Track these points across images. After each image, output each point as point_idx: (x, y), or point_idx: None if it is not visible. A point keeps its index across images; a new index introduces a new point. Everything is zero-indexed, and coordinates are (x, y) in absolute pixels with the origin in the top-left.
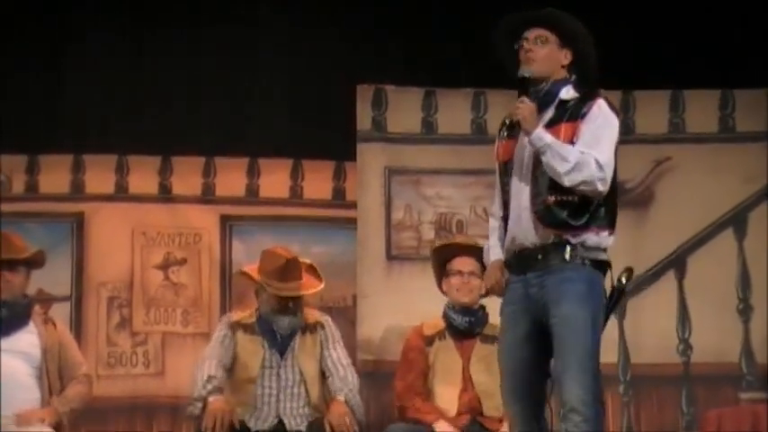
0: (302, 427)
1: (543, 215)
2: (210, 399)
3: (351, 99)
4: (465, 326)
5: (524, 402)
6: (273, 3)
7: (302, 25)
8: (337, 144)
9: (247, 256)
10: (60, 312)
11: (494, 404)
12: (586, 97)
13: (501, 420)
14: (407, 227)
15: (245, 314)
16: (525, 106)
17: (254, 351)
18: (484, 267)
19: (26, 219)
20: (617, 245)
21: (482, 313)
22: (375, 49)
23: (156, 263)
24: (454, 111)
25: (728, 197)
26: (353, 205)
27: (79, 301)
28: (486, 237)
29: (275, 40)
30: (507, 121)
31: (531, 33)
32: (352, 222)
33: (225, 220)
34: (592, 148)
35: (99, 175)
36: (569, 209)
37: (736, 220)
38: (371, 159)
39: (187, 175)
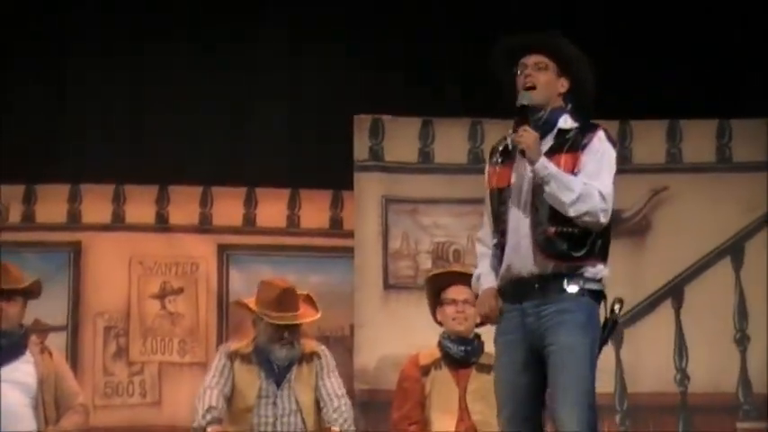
0: None
1: (544, 245)
2: (209, 429)
3: (348, 129)
4: (461, 355)
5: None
6: (272, 33)
7: (300, 55)
8: (334, 173)
9: (245, 286)
10: (57, 342)
11: None
12: (586, 128)
13: None
14: (404, 256)
15: (242, 344)
16: (529, 134)
17: (250, 381)
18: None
19: (23, 248)
20: (614, 274)
21: (478, 342)
22: (372, 79)
23: (153, 292)
24: (451, 140)
25: (725, 227)
26: (351, 234)
27: (76, 331)
28: None
29: (273, 69)
30: (500, 148)
31: (531, 59)
32: (349, 251)
33: (222, 250)
34: (594, 180)
35: (96, 204)
36: (570, 240)
37: (734, 250)
38: (369, 189)
39: (184, 205)
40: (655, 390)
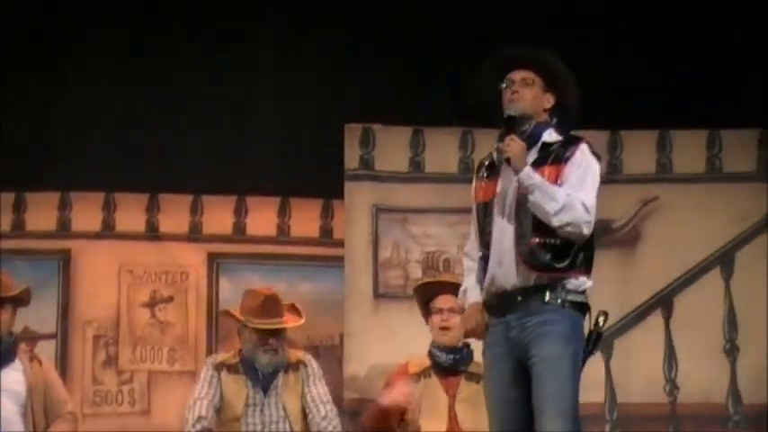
0: None
1: (527, 257)
2: None
3: (339, 138)
4: (449, 363)
5: None
6: (262, 41)
7: (291, 64)
8: (325, 182)
9: (235, 294)
10: (46, 350)
11: None
12: (569, 141)
13: None
14: (395, 265)
15: (228, 354)
16: (515, 144)
17: (237, 390)
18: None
19: (13, 256)
20: (603, 284)
21: (466, 351)
22: (363, 87)
23: (143, 301)
24: (442, 150)
25: (715, 237)
26: (341, 243)
27: (65, 339)
28: None
29: (264, 78)
30: (487, 162)
31: (517, 75)
32: (339, 261)
33: (212, 258)
34: (577, 191)
35: (86, 212)
36: (553, 251)
37: (723, 261)
38: (359, 198)
39: (174, 213)
40: (644, 400)
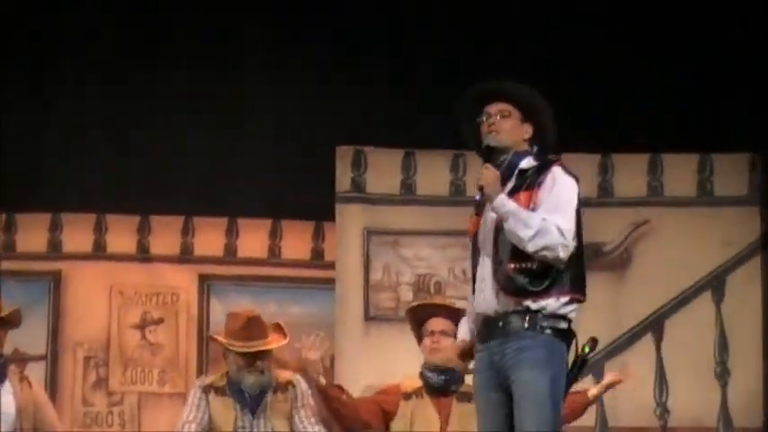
0: None
1: (504, 283)
2: None
3: (330, 160)
4: (440, 384)
5: None
6: (254, 63)
7: (283, 87)
8: (316, 204)
9: (225, 316)
10: (36, 372)
11: None
12: (543, 166)
13: None
14: (386, 288)
15: (216, 376)
16: (489, 172)
17: (226, 413)
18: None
19: (3, 277)
20: (594, 307)
21: (458, 372)
22: (355, 110)
23: (134, 322)
24: (433, 172)
25: (706, 260)
26: (332, 266)
27: (55, 361)
28: (464, 298)
29: (255, 100)
30: (477, 197)
31: (494, 107)
32: (330, 283)
33: (203, 280)
34: (552, 215)
35: (77, 233)
36: (529, 275)
37: (714, 284)
38: (350, 220)
39: (165, 235)
40: (635, 424)
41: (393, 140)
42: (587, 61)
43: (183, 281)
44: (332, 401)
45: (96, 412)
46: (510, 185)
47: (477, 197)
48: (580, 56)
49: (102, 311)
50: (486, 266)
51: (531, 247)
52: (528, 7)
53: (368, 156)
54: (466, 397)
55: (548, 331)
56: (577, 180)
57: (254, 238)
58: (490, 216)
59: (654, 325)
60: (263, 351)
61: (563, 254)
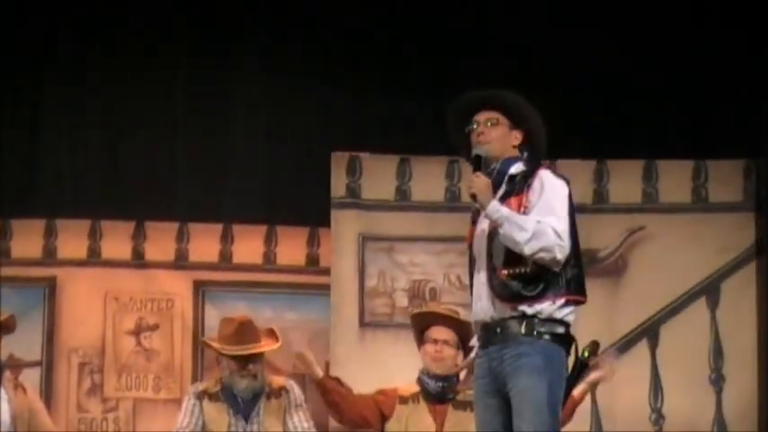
0: None
1: (499, 290)
2: None
3: (325, 166)
4: (438, 390)
5: None
6: (248, 70)
7: (278, 93)
8: (311, 211)
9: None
10: (31, 378)
11: None
12: (531, 170)
13: None
14: (381, 294)
15: (210, 383)
16: (480, 180)
17: (219, 419)
18: (459, 338)
19: None
20: (590, 313)
21: (456, 379)
22: (350, 116)
23: (129, 329)
24: (428, 178)
25: (701, 267)
26: (327, 272)
27: (50, 367)
28: (459, 304)
29: (250, 106)
30: (473, 208)
31: (482, 116)
32: (325, 289)
33: (198, 286)
34: (546, 217)
35: (72, 239)
36: (523, 280)
37: (709, 290)
38: (346, 226)
39: (160, 241)
40: (630, 429)
41: (388, 146)
42: (583, 68)
43: (178, 287)
44: (330, 394)
45: (91, 418)
46: (501, 192)
47: (474, 207)
48: (575, 62)
49: (97, 318)
50: (481, 272)
51: (527, 250)
52: (523, 14)
53: (363, 162)
54: (462, 405)
55: (546, 337)
56: (568, 182)
57: (249, 245)
58: (483, 224)
59: (649, 331)
60: (254, 354)
61: (560, 255)
